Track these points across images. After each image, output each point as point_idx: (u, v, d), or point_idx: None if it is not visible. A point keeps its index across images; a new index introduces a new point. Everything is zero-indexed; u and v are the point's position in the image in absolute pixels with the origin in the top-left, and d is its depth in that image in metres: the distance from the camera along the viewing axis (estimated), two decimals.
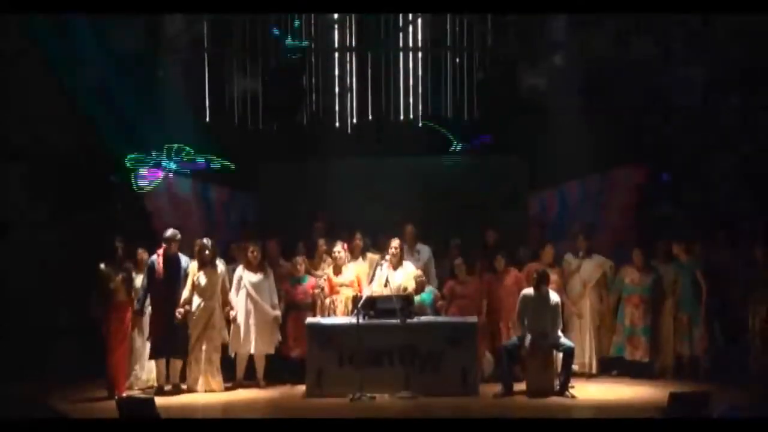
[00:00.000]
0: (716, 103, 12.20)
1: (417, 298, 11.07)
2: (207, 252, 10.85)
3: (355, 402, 10.04)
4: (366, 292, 10.72)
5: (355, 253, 11.52)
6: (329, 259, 11.42)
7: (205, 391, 10.72)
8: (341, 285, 11.16)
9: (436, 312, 11.14)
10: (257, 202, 13.35)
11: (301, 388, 10.60)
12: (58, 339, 11.96)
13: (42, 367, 11.27)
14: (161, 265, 10.69)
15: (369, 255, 11.52)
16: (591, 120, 12.67)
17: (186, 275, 10.78)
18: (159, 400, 8.70)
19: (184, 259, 10.84)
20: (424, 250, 11.72)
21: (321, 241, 11.64)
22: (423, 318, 10.78)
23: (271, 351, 11.09)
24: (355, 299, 10.75)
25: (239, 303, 11.03)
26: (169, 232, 10.83)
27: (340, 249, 11.21)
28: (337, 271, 11.19)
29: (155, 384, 10.88)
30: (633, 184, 12.98)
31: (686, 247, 11.28)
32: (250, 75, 12.16)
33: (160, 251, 10.75)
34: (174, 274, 10.71)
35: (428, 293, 11.19)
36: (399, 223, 11.74)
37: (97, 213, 12.71)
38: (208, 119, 12.47)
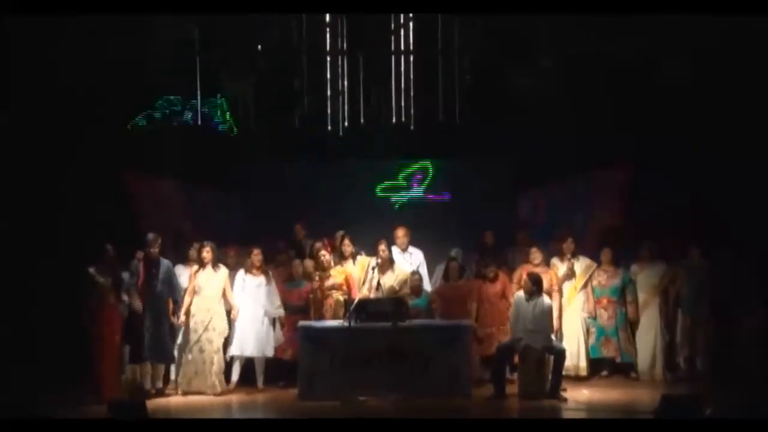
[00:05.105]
0: (703, 101, 12.25)
1: (412, 303, 11.05)
2: (204, 254, 10.85)
3: (347, 404, 10.03)
4: (358, 295, 10.71)
5: (345, 256, 11.51)
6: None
7: (200, 393, 10.69)
8: (329, 289, 11.14)
9: (431, 315, 11.12)
10: (247, 205, 13.35)
11: (294, 390, 10.58)
12: (45, 342, 11.91)
13: (29, 370, 11.23)
14: (142, 268, 10.66)
15: (360, 258, 11.51)
16: (579, 121, 12.70)
17: (168, 278, 10.76)
18: (150, 403, 8.69)
19: (165, 262, 10.82)
20: (417, 254, 11.73)
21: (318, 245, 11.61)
22: (415, 321, 10.77)
23: (270, 354, 11.08)
24: (347, 302, 10.72)
25: (240, 306, 11.02)
26: (150, 234, 10.81)
27: (324, 252, 11.19)
28: (321, 276, 11.15)
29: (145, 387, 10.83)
30: (618, 185, 13.01)
31: (700, 248, 11.35)
32: (242, 77, 12.18)
33: (141, 255, 10.71)
34: (154, 277, 10.68)
35: (423, 298, 11.18)
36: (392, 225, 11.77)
37: (86, 215, 12.68)
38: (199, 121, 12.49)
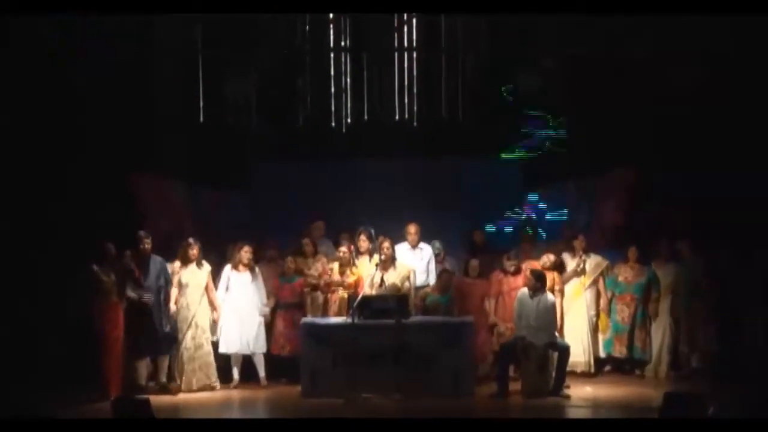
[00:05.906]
0: (709, 102, 12.23)
1: (434, 298, 11.08)
2: (191, 251, 10.86)
3: (350, 402, 10.02)
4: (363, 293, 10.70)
5: (361, 252, 11.45)
6: (323, 259, 11.40)
7: (192, 390, 10.71)
8: (338, 285, 11.12)
9: (451, 312, 11.08)
10: (250, 204, 13.34)
11: (297, 387, 10.57)
12: (45, 341, 11.93)
13: (31, 369, 11.25)
14: (134, 265, 10.68)
15: (377, 256, 11.45)
16: (584, 121, 12.69)
17: (160, 274, 10.78)
18: (155, 400, 8.69)
19: (157, 260, 10.83)
20: (426, 249, 11.71)
21: (306, 241, 11.61)
22: (417, 318, 10.76)
23: (263, 350, 11.09)
24: (350, 299, 10.73)
25: (228, 303, 11.02)
26: (141, 232, 10.85)
27: (345, 249, 11.19)
28: (341, 271, 11.15)
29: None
30: (624, 185, 13.00)
31: (690, 245, 11.30)
32: (245, 75, 12.19)
33: (131, 252, 10.73)
34: (145, 274, 10.69)
35: (447, 294, 11.16)
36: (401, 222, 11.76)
37: (87, 214, 12.69)
38: (201, 120, 12.49)
